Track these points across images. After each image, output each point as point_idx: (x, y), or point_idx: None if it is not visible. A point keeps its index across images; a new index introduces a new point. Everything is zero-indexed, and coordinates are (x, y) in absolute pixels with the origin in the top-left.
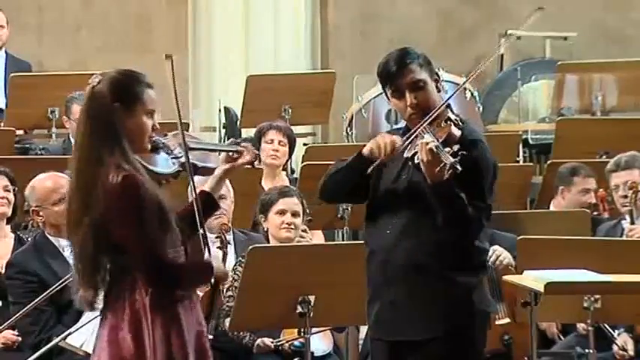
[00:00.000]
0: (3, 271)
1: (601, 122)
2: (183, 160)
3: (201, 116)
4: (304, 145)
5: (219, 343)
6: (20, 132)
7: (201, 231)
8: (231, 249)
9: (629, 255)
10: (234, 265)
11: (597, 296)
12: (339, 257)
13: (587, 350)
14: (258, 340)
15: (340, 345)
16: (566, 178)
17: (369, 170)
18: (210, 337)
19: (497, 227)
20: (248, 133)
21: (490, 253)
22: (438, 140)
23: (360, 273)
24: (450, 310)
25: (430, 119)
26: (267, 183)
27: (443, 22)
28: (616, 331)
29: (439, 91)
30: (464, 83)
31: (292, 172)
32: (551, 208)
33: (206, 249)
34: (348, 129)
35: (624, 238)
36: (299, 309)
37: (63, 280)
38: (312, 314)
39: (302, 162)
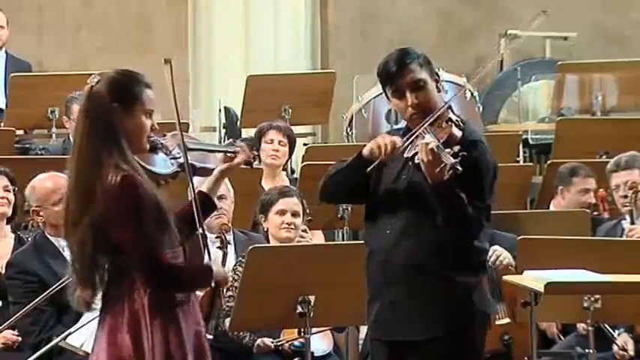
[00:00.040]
0: (3, 271)
1: (601, 122)
2: (181, 160)
3: (202, 116)
4: (304, 145)
5: (219, 343)
6: (20, 132)
7: (200, 231)
8: (231, 249)
9: (629, 255)
10: (234, 265)
11: (597, 296)
12: (339, 257)
13: (587, 350)
14: (258, 340)
15: (340, 345)
16: (565, 178)
17: (369, 170)
18: (210, 337)
19: (498, 227)
20: (248, 133)
21: (490, 253)
22: (438, 141)
23: (360, 273)
24: (450, 310)
25: (430, 120)
26: (268, 183)
27: (443, 22)
28: (616, 331)
29: (439, 91)
30: (466, 86)
31: (292, 172)
32: (551, 208)
33: (206, 251)
34: (348, 129)
35: (624, 238)
36: (299, 309)
37: (63, 280)
38: (312, 314)
39: (302, 162)
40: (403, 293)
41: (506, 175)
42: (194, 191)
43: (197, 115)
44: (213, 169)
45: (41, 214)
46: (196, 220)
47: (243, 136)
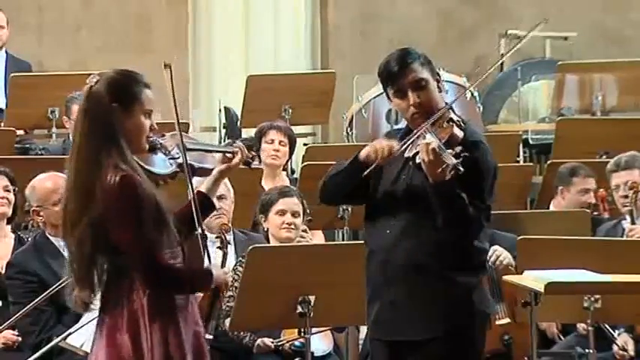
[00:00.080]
0: (3, 271)
1: (601, 122)
2: (180, 160)
3: (202, 116)
4: (304, 145)
5: (219, 343)
6: (20, 132)
7: (199, 231)
8: (231, 249)
9: (629, 255)
10: (235, 265)
11: (597, 296)
12: (339, 257)
13: (587, 350)
14: (259, 340)
15: (340, 345)
16: (565, 178)
17: (365, 174)
18: (210, 337)
19: (498, 227)
20: (248, 133)
21: (490, 253)
22: (440, 141)
23: (360, 273)
24: (450, 310)
25: (433, 119)
26: (268, 183)
27: (443, 22)
28: (616, 331)
29: (440, 91)
30: (468, 88)
31: (292, 172)
32: (551, 208)
33: (205, 252)
34: (348, 129)
35: (624, 238)
36: (299, 309)
37: (63, 280)
38: (312, 314)
39: (302, 162)
40: (403, 293)
41: (506, 175)
42: (193, 191)
43: (197, 115)
44: (212, 170)
45: (41, 214)
46: (195, 220)
47: (244, 136)
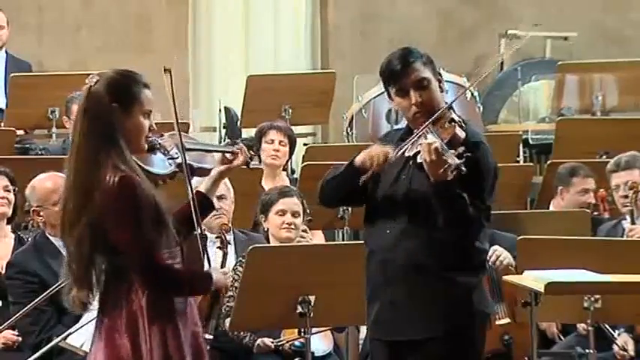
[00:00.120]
0: (3, 271)
1: (601, 122)
2: (179, 160)
3: (202, 116)
4: (304, 145)
5: (219, 343)
6: (20, 132)
7: (198, 231)
8: (231, 249)
9: (629, 255)
10: (235, 265)
11: (597, 296)
12: (339, 257)
13: (587, 350)
14: (259, 340)
15: (340, 345)
16: (565, 178)
17: (361, 181)
18: (211, 337)
19: (498, 227)
20: (248, 133)
21: (490, 253)
22: (442, 141)
23: (360, 273)
24: (449, 310)
25: (434, 119)
26: (268, 183)
27: (443, 22)
28: (616, 331)
29: (442, 91)
30: (468, 88)
31: (292, 172)
32: (551, 208)
33: (205, 255)
34: (349, 129)
35: (625, 238)
36: (299, 309)
37: (63, 280)
38: (312, 314)
39: (302, 162)
40: (403, 293)
41: (506, 175)
42: (192, 192)
43: (197, 115)
44: (211, 170)
45: (41, 214)
46: (194, 221)
47: (244, 136)
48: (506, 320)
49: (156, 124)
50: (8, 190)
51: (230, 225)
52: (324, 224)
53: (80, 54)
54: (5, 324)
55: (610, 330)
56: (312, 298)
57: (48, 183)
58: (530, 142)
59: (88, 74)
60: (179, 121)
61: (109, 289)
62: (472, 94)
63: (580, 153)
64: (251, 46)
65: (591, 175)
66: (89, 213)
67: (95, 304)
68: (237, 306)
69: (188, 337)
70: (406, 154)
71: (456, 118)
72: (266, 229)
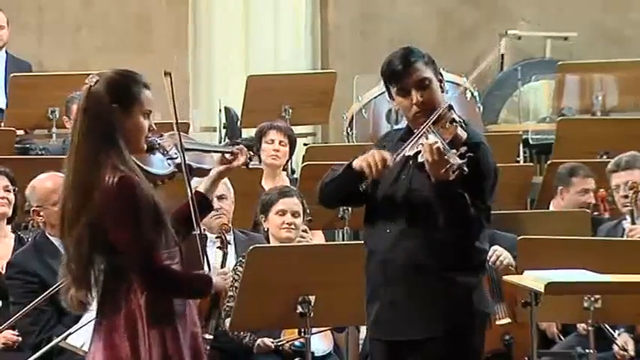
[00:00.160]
0: (3, 271)
1: (601, 122)
2: (178, 161)
3: (202, 116)
4: (304, 145)
5: (219, 343)
6: (20, 132)
7: (197, 231)
8: (231, 249)
9: (630, 255)
10: (235, 265)
11: (597, 296)
12: (340, 257)
13: (587, 350)
14: (259, 340)
15: (340, 345)
16: (564, 178)
17: (362, 188)
18: (211, 336)
19: (498, 227)
20: (248, 133)
21: (490, 253)
22: (444, 141)
23: (360, 273)
24: (450, 310)
25: (434, 118)
26: (268, 183)
27: (443, 22)
28: (616, 331)
29: (443, 91)
30: (463, 84)
31: (293, 172)
32: (551, 208)
33: (205, 258)
34: (349, 129)
35: (625, 238)
36: (299, 309)
37: (63, 280)
38: (312, 314)
39: (302, 162)
40: (403, 293)
41: (506, 175)
42: (191, 192)
43: (197, 115)
44: (210, 170)
45: (41, 214)
46: (194, 221)
47: (244, 136)
48: (507, 320)
49: (155, 124)
50: (8, 190)
51: (230, 225)
52: (324, 224)
53: (80, 54)
54: (5, 324)
55: (610, 330)
56: (312, 298)
57: (48, 183)
58: (531, 142)
59: (88, 74)
60: (179, 127)
61: (108, 289)
62: (472, 94)
63: (580, 153)
64: (251, 46)
65: (591, 175)
66: (88, 213)
67: (94, 305)
68: (237, 306)
69: (187, 338)
70: (406, 154)
71: (457, 119)
72: (266, 229)
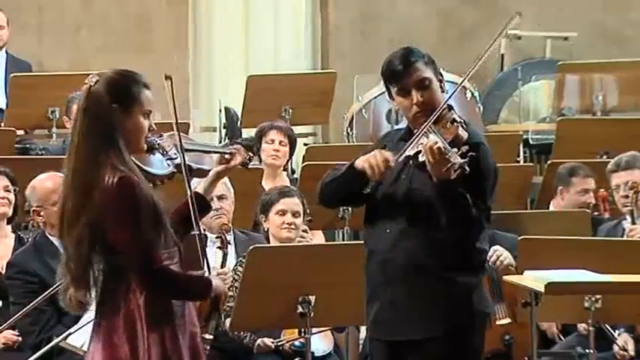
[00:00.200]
0: (3, 271)
1: (601, 122)
2: (177, 161)
3: (202, 116)
4: (305, 145)
5: (219, 343)
6: (21, 132)
7: (196, 231)
8: (231, 249)
9: (630, 255)
10: (235, 265)
11: (598, 296)
12: (340, 257)
13: (587, 350)
14: (259, 340)
15: (340, 345)
16: (564, 178)
17: (366, 191)
18: (211, 337)
19: (498, 227)
20: (248, 133)
21: (490, 254)
22: (445, 141)
23: (360, 273)
24: (450, 310)
25: (434, 118)
26: (268, 183)
27: (443, 22)
28: (616, 331)
29: (443, 91)
30: (460, 84)
31: (293, 172)
32: (551, 208)
33: (204, 259)
34: (349, 129)
35: (625, 238)
36: (299, 309)
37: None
38: (312, 314)
39: (302, 162)
40: (403, 293)
41: (506, 175)
42: (190, 193)
43: (197, 115)
44: (209, 170)
45: (42, 214)
46: (193, 222)
47: (244, 136)
48: (507, 320)
49: (155, 124)
50: (8, 190)
51: (230, 225)
52: (324, 224)
53: (80, 54)
54: (5, 324)
55: (610, 330)
56: (312, 298)
57: (48, 183)
58: (531, 142)
59: (88, 74)
60: (178, 126)
61: (107, 289)
62: (472, 94)
63: (580, 153)
64: (251, 46)
65: (591, 175)
66: (88, 213)
67: (94, 305)
68: (237, 306)
69: (186, 338)
70: (407, 153)
71: (458, 119)
72: (266, 229)
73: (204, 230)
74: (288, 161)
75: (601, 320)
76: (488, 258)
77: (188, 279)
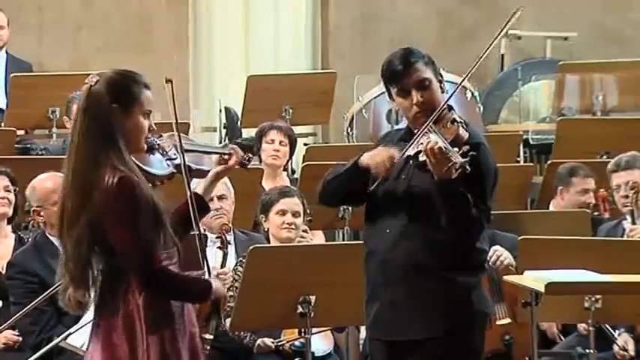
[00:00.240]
0: (3, 271)
1: (601, 122)
2: (177, 161)
3: (202, 116)
4: (305, 145)
5: (220, 343)
6: (21, 132)
7: (196, 231)
8: (231, 249)
9: (630, 255)
10: (235, 265)
11: (598, 296)
12: (340, 257)
13: (587, 350)
14: (259, 340)
15: (341, 345)
16: (564, 178)
17: (371, 189)
18: (211, 336)
19: (498, 227)
20: (249, 133)
21: (491, 254)
22: (446, 141)
23: (361, 273)
24: (449, 310)
25: (434, 118)
26: (268, 183)
27: (443, 22)
28: (616, 331)
29: (443, 92)
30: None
31: (293, 172)
32: (551, 208)
33: (204, 260)
34: (349, 129)
35: (625, 238)
36: (299, 309)
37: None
38: (312, 314)
39: (302, 162)
40: (403, 293)
41: (506, 175)
42: (190, 193)
43: (197, 115)
44: (209, 171)
45: (42, 214)
46: (193, 222)
47: (244, 136)
48: (507, 320)
49: (155, 124)
50: (9, 190)
51: (230, 225)
52: (324, 224)
53: (80, 54)
54: (5, 324)
55: (610, 330)
56: (312, 298)
57: (48, 183)
58: (531, 142)
59: (88, 74)
60: (179, 127)
61: (107, 289)
62: (472, 94)
63: (580, 153)
64: (251, 46)
65: (591, 175)
66: (88, 213)
67: (90, 303)
68: (237, 306)
69: (185, 339)
70: (407, 153)
71: (458, 119)
72: (266, 229)
73: (205, 230)
74: (288, 161)
75: (601, 320)
76: (488, 258)
77: (187, 280)
